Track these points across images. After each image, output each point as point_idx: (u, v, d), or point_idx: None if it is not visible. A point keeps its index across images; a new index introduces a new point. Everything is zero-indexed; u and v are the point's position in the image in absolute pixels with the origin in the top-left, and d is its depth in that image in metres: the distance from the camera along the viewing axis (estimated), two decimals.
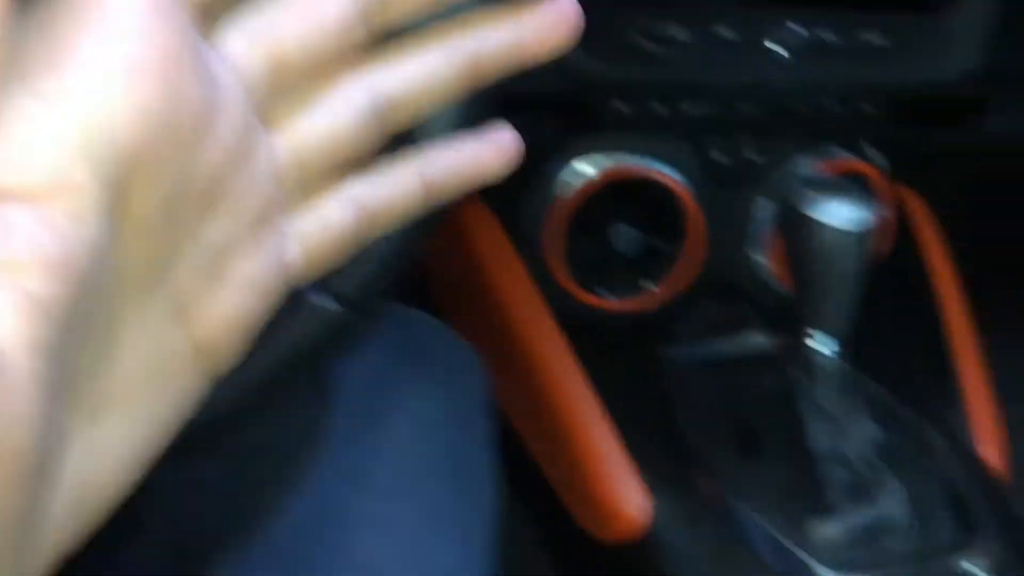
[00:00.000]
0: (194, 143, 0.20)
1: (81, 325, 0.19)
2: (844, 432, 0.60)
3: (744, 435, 0.64)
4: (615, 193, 0.66)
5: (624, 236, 0.68)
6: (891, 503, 0.58)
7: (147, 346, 0.21)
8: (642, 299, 0.69)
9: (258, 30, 0.22)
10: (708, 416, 0.65)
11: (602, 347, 0.69)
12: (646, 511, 0.61)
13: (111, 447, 0.21)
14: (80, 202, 0.18)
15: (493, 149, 0.26)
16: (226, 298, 0.23)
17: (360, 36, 0.23)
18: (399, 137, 0.25)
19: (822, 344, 0.59)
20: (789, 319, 0.61)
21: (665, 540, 0.61)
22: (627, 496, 0.62)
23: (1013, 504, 0.66)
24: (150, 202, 0.20)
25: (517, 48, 0.24)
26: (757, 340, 0.72)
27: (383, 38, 0.24)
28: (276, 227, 0.23)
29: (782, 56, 0.62)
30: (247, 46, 0.22)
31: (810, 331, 0.59)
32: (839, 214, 0.55)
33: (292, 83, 0.23)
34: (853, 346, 0.61)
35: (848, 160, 0.70)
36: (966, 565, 0.57)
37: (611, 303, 0.69)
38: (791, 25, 0.62)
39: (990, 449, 0.69)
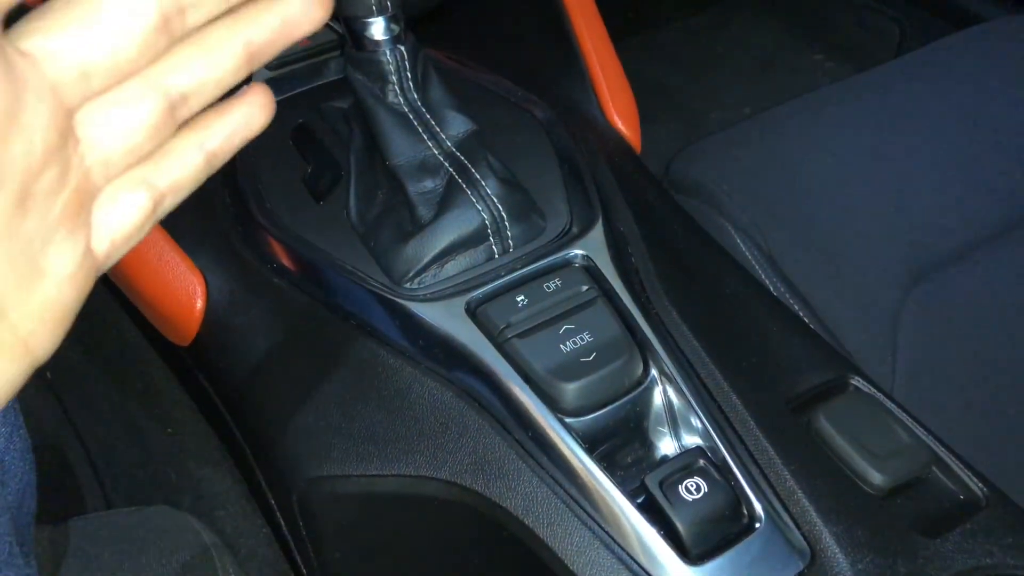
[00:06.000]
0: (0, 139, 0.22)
1: None
2: (430, 131, 0.52)
3: (318, 178, 0.56)
4: None
5: None
6: (487, 205, 0.51)
7: None
8: None
9: (70, 38, 0.23)
10: (275, 165, 0.57)
11: None
12: (200, 298, 0.56)
13: None
14: None
15: (257, 108, 0.28)
16: (43, 291, 0.24)
17: (161, 45, 0.25)
18: None
19: (382, 32, 0.51)
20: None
21: (223, 319, 0.55)
22: (182, 294, 0.56)
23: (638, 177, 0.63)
24: None
25: (285, 28, 0.27)
26: (334, 65, 0.63)
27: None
28: (85, 220, 0.25)
29: None
30: (58, 52, 0.23)
31: (363, 20, 0.51)
32: None
33: (98, 87, 0.24)
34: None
35: None
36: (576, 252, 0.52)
37: None
38: None
39: (622, 120, 0.67)
